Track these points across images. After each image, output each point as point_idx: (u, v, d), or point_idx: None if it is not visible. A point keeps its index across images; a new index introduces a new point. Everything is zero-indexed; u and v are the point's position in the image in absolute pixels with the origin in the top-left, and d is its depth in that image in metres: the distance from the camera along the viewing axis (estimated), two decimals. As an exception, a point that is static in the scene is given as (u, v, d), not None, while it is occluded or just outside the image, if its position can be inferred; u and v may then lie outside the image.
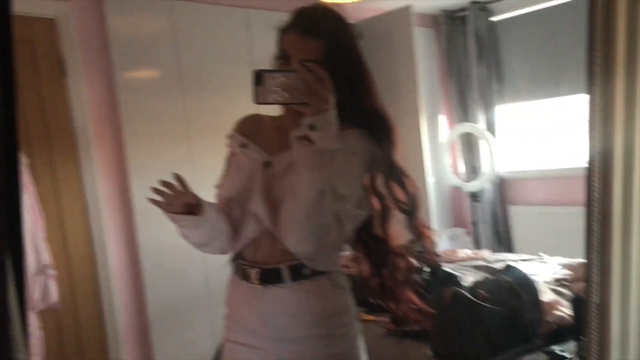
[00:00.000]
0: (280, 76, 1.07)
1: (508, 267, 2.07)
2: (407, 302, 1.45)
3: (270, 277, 1.22)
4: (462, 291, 1.90)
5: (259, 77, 1.06)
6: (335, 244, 1.23)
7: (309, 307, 1.22)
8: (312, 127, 1.08)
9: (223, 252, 1.31)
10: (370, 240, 1.36)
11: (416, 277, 2.30)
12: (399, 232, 1.38)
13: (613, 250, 0.70)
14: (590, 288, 0.71)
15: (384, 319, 2.24)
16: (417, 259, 2.81)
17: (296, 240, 1.15)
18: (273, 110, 1.31)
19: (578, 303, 1.53)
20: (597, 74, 0.66)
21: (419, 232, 1.35)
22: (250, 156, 1.25)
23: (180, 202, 1.18)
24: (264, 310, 1.22)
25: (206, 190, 1.47)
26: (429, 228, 1.38)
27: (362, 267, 1.38)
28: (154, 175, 2.98)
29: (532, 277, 2.17)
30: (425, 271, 2.54)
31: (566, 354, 1.49)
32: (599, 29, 0.65)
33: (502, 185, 4.37)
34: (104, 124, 2.94)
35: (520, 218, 4.29)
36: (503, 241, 4.34)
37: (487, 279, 2.06)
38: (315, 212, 1.11)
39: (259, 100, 1.08)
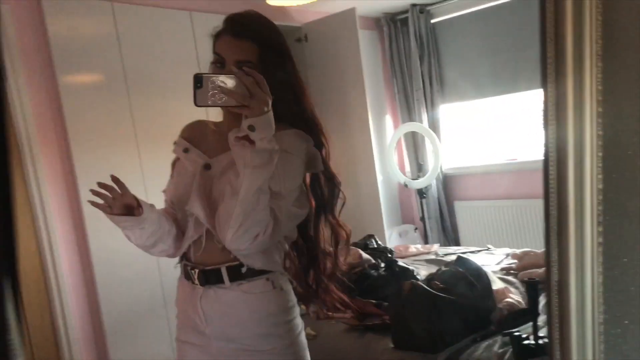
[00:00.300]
0: (219, 79, 1.11)
1: (459, 258, 2.17)
2: (332, 296, 1.49)
3: (210, 277, 1.26)
4: (420, 283, 1.98)
5: (199, 80, 1.10)
6: (273, 242, 1.26)
7: (248, 307, 1.26)
8: (251, 128, 1.11)
9: (169, 255, 1.35)
10: (301, 239, 1.41)
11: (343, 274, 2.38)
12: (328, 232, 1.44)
13: (569, 232, 0.77)
14: (550, 268, 0.78)
15: (344, 315, 2.29)
16: (371, 255, 2.89)
17: (232, 236, 1.16)
18: (218, 115, 1.37)
19: (531, 286, 1.63)
20: (550, 71, 0.73)
21: (335, 228, 1.43)
22: (191, 159, 1.30)
23: (119, 204, 1.23)
24: (206, 310, 1.27)
25: (154, 193, 1.50)
26: (345, 225, 1.47)
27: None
28: (103, 179, 2.94)
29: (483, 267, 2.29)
30: (381, 266, 2.63)
31: (522, 334, 1.59)
32: (549, 30, 0.72)
33: (446, 182, 4.54)
34: (48, 129, 2.85)
35: (464, 212, 4.46)
36: (450, 235, 4.50)
37: (441, 270, 2.15)
38: (252, 209, 1.14)
39: (198, 103, 1.11)
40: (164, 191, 1.38)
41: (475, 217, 4.37)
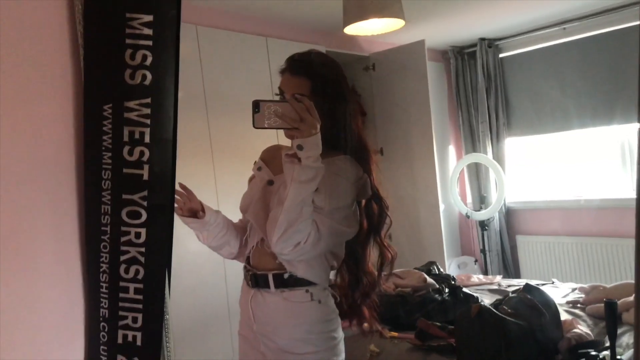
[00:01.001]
0: (274, 105, 1.26)
1: (527, 285, 2.17)
2: (360, 314, 1.57)
3: (259, 281, 1.44)
4: (488, 306, 2.00)
5: (257, 105, 1.26)
6: (316, 253, 1.37)
7: (286, 313, 1.41)
8: (299, 147, 1.26)
9: (233, 257, 1.58)
10: (352, 258, 1.52)
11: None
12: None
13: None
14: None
15: (409, 335, 2.32)
16: (434, 280, 2.90)
17: (277, 240, 1.30)
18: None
19: (609, 306, 1.64)
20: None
21: (381, 248, 1.51)
22: (260, 176, 1.51)
23: (187, 207, 1.48)
24: (254, 310, 1.45)
25: (225, 203, 1.66)
26: (390, 246, 1.53)
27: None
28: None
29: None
30: (445, 291, 2.65)
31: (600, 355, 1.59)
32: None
33: (509, 215, 4.49)
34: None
35: (527, 247, 4.40)
36: (510, 269, 4.44)
37: (509, 296, 2.16)
38: (295, 218, 1.29)
39: (256, 125, 1.27)
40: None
41: (538, 251, 4.30)
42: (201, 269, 3.01)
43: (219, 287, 3.14)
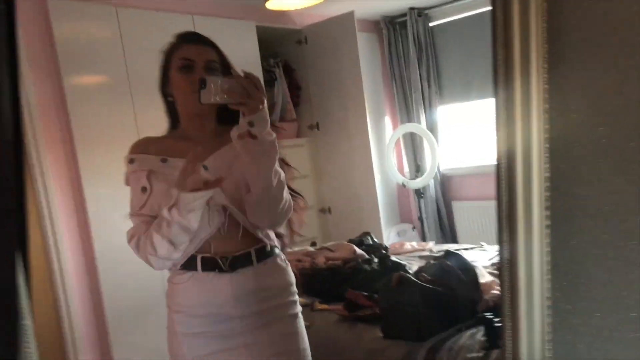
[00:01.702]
0: (220, 81, 1.26)
1: (447, 252, 2.26)
2: None
3: (240, 262, 1.40)
4: (408, 275, 2.07)
5: (203, 82, 1.25)
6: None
7: (272, 281, 1.44)
8: (250, 124, 1.27)
9: (177, 260, 1.41)
10: None
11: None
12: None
13: (518, 215, 0.86)
14: (501, 247, 0.87)
15: (338, 307, 2.38)
16: (366, 251, 2.97)
17: (274, 217, 1.38)
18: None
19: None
20: (500, 78, 0.83)
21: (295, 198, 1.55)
22: (177, 168, 1.36)
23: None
24: (236, 292, 1.39)
25: None
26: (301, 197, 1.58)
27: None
28: (107, 179, 2.99)
29: (472, 262, 2.38)
30: (374, 261, 2.72)
31: (494, 317, 1.68)
32: (499, 35, 0.81)
33: (444, 182, 4.62)
34: (54, 129, 2.96)
35: (462, 212, 4.55)
36: (447, 234, 4.59)
37: (429, 263, 2.24)
38: (280, 189, 1.34)
39: (203, 101, 1.26)
40: (135, 214, 1.41)
41: (472, 216, 4.46)
42: (135, 257, 2.98)
43: (154, 273, 3.13)
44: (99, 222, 2.96)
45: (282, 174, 1.35)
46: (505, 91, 0.83)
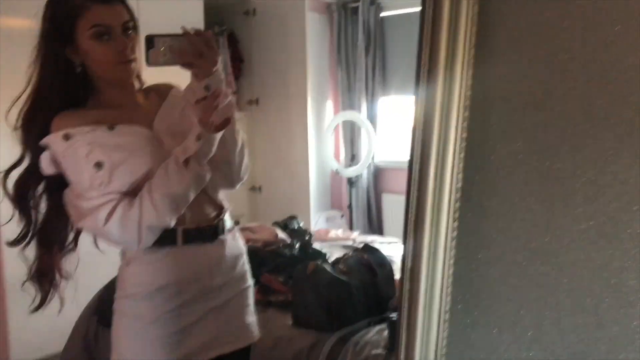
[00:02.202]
0: (169, 40, 1.13)
1: (366, 246, 2.25)
2: None
3: (217, 230, 1.35)
4: (323, 265, 2.04)
5: (151, 41, 1.13)
6: None
7: (237, 250, 1.41)
8: (207, 88, 1.16)
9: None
10: None
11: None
12: None
13: (425, 224, 0.82)
14: (405, 255, 0.84)
15: (251, 290, 2.33)
16: (289, 235, 2.93)
17: (243, 172, 1.39)
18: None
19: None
20: (422, 77, 0.78)
21: None
22: (129, 133, 1.25)
23: None
24: (213, 262, 1.33)
25: None
26: None
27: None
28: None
29: (390, 257, 2.38)
30: (295, 247, 2.68)
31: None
32: (427, 34, 0.76)
33: (377, 173, 4.64)
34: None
35: (391, 205, 4.58)
36: (374, 225, 4.62)
37: (347, 255, 2.22)
38: (241, 146, 1.34)
39: (150, 62, 1.14)
40: (95, 196, 1.20)
41: (401, 210, 4.45)
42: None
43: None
44: None
45: (241, 132, 1.34)
46: (427, 87, 0.79)
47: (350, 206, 4.51)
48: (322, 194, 4.69)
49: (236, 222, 1.48)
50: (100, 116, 1.25)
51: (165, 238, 1.27)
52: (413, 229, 0.82)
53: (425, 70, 0.77)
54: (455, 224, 0.84)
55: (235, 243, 1.42)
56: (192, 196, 1.24)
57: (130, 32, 1.25)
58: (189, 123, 1.23)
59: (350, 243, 3.21)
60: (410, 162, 0.82)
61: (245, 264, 1.46)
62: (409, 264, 0.83)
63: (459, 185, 0.83)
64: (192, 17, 3.65)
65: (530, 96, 0.86)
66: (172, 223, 1.25)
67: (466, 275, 0.93)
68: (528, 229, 0.89)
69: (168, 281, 1.28)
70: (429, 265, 0.83)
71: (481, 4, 0.77)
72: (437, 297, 0.85)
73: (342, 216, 4.67)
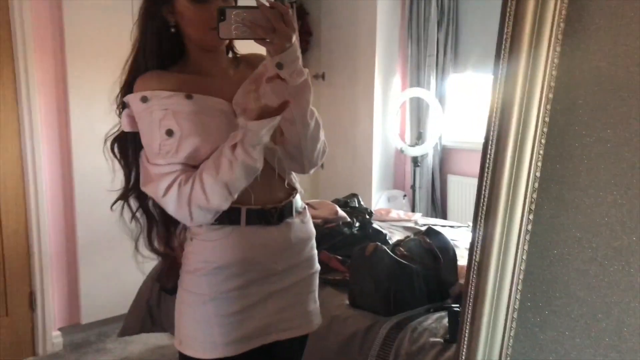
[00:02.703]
0: (242, 12, 1.09)
1: (429, 229, 2.17)
2: None
3: (285, 212, 1.31)
4: (383, 247, 1.99)
5: (223, 13, 1.09)
6: None
7: (306, 233, 1.38)
8: (279, 66, 1.11)
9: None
10: None
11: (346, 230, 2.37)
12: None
13: (497, 218, 0.76)
14: (474, 246, 0.77)
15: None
16: (350, 213, 2.90)
17: (316, 157, 1.32)
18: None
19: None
20: (504, 54, 0.70)
21: None
22: (207, 105, 1.21)
23: None
24: (280, 244, 1.30)
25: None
26: None
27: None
28: (95, 95, 2.86)
29: (453, 242, 2.29)
30: (355, 225, 2.64)
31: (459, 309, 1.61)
32: (511, 5, 0.68)
33: (443, 154, 4.49)
34: (46, 37, 2.82)
35: (456, 187, 4.44)
36: (438, 208, 4.50)
37: (408, 238, 2.15)
38: (318, 130, 1.27)
39: (222, 35, 1.10)
40: (161, 164, 1.19)
41: (466, 192, 4.35)
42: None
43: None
44: (81, 137, 2.87)
45: (317, 113, 1.26)
46: (508, 64, 0.71)
47: (413, 186, 4.40)
48: (385, 173, 4.61)
49: None
50: (182, 82, 1.23)
51: (229, 217, 1.24)
52: (484, 219, 0.76)
53: (507, 45, 0.70)
54: (531, 216, 0.77)
55: (304, 226, 1.38)
56: (242, 184, 1.18)
57: (230, 1, 1.22)
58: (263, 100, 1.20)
59: (411, 224, 3.13)
60: (485, 146, 0.75)
61: (313, 248, 1.42)
62: (477, 257, 0.77)
63: (538, 174, 0.76)
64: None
65: (625, 79, 0.77)
66: (225, 206, 1.20)
67: (539, 272, 0.86)
68: (612, 226, 0.81)
69: (229, 261, 1.26)
70: (499, 259, 0.76)
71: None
72: (506, 294, 0.78)
73: (405, 196, 4.58)
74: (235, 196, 1.20)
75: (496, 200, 0.75)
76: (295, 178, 1.39)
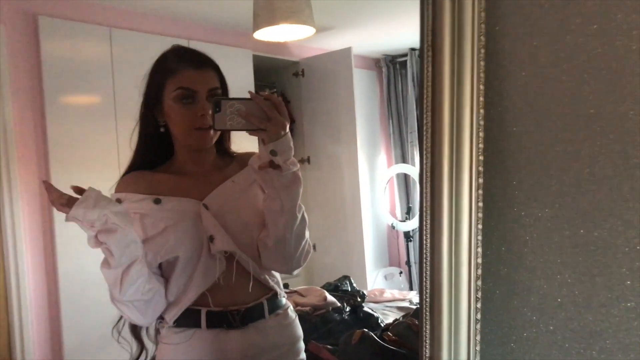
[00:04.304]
0: (237, 103, 1.11)
1: (417, 310, 2.10)
2: None
3: (253, 314, 1.22)
4: (370, 333, 1.92)
5: (218, 104, 1.11)
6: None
7: (286, 337, 1.27)
8: (273, 153, 1.10)
9: (160, 312, 1.24)
10: None
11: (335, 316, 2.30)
12: None
13: (443, 307, 0.73)
14: (423, 342, 0.74)
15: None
16: (340, 297, 2.83)
17: (296, 259, 1.22)
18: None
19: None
20: (426, 142, 0.71)
21: None
22: (174, 209, 1.21)
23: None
24: (245, 351, 1.21)
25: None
26: None
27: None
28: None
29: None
30: (345, 310, 2.57)
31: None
32: (427, 99, 0.70)
33: (436, 226, 4.47)
34: (29, 147, 2.87)
35: (453, 259, 4.38)
36: (435, 281, 4.42)
37: (397, 321, 2.09)
38: (302, 227, 1.20)
39: (217, 127, 1.12)
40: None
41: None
42: (100, 284, 2.86)
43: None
44: (66, 244, 2.85)
45: (304, 209, 1.21)
46: (430, 158, 0.71)
47: (408, 262, 4.35)
48: (379, 251, 4.57)
49: (285, 285, 1.37)
50: (158, 183, 1.25)
51: (190, 319, 1.21)
52: (429, 312, 0.73)
53: (427, 133, 0.70)
54: (479, 304, 0.74)
55: (285, 330, 1.28)
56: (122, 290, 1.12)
57: None
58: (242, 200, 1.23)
59: (406, 304, 3.06)
60: (421, 234, 0.73)
61: (298, 352, 1.31)
62: (427, 352, 0.73)
63: (479, 260, 0.74)
64: (243, 79, 3.76)
65: (552, 158, 0.77)
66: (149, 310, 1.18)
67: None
68: (565, 306, 0.78)
69: None
70: (450, 352, 0.73)
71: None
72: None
73: (401, 273, 4.51)
74: (127, 293, 1.13)
75: (439, 290, 0.73)
76: (277, 278, 1.31)
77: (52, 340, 2.89)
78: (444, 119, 0.66)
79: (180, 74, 1.22)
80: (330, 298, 2.58)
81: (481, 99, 0.68)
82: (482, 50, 0.68)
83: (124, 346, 1.34)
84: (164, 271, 1.24)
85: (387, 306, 3.00)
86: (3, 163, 2.75)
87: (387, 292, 3.26)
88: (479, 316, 0.74)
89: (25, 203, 2.83)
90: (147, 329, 1.34)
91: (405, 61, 4.46)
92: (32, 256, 2.85)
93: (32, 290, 2.83)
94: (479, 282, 0.74)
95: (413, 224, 4.24)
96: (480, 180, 0.71)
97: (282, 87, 4.36)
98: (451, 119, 0.67)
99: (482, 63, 0.68)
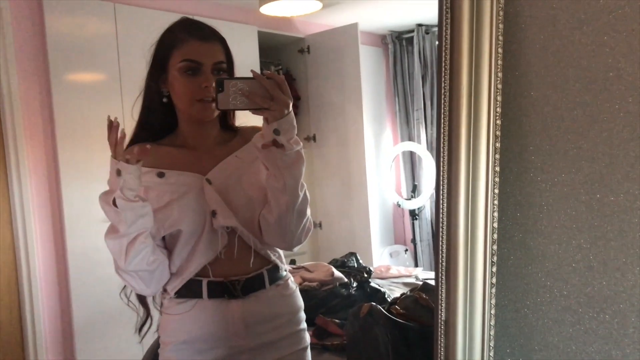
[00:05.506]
0: (240, 83, 1.10)
1: (425, 285, 2.11)
2: None
3: (254, 284, 1.24)
4: (378, 306, 1.93)
5: (221, 84, 1.10)
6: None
7: (286, 306, 1.29)
8: (276, 132, 1.10)
9: (164, 283, 1.25)
10: None
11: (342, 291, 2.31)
12: None
13: (459, 272, 0.73)
14: (438, 306, 0.75)
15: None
16: (347, 273, 2.85)
17: (298, 235, 1.23)
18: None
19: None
20: (444, 105, 0.71)
21: None
22: (178, 182, 1.22)
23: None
24: (247, 319, 1.23)
25: None
26: None
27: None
28: (86, 180, 2.89)
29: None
30: (352, 286, 2.59)
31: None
32: (445, 61, 0.69)
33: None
34: (36, 124, 2.87)
35: (458, 236, 4.39)
36: (441, 259, 4.43)
37: (404, 295, 2.10)
38: (304, 205, 1.20)
39: (220, 106, 1.11)
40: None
41: (468, 242, 4.30)
42: (108, 261, 2.88)
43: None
44: (74, 220, 2.87)
45: (306, 187, 1.21)
46: (450, 120, 0.71)
47: (414, 240, 4.36)
48: (385, 229, 4.58)
49: (292, 262, 1.38)
50: (162, 156, 1.25)
51: (191, 289, 1.23)
52: (445, 275, 0.74)
53: (446, 95, 0.70)
54: (494, 268, 0.75)
55: (286, 300, 1.29)
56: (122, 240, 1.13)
57: (221, 72, 1.22)
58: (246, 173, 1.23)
59: (412, 280, 3.07)
60: (437, 199, 0.74)
61: (298, 323, 1.32)
62: (442, 315, 0.74)
63: (495, 225, 0.74)
64: (248, 56, 3.73)
65: (570, 121, 0.76)
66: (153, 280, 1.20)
67: (514, 325, 0.83)
68: (580, 271, 0.78)
69: (194, 335, 1.22)
70: (465, 315, 0.73)
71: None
72: (478, 351, 0.75)
73: (407, 251, 4.53)
74: (131, 258, 1.14)
75: (455, 254, 0.73)
76: (278, 253, 1.32)
77: (62, 317, 2.93)
78: (462, 81, 0.66)
79: (186, 46, 1.21)
80: (337, 274, 2.60)
81: (499, 62, 0.67)
82: (501, 13, 0.67)
83: (133, 309, 1.34)
84: (167, 243, 1.25)
85: (393, 282, 3.01)
86: (11, 140, 2.76)
87: (393, 269, 3.27)
88: (494, 280, 0.74)
89: (33, 180, 2.84)
90: (153, 297, 1.35)
91: (412, 37, 4.42)
92: (41, 232, 2.86)
93: (41, 266, 2.85)
94: (495, 247, 0.74)
95: (419, 202, 4.25)
96: (498, 145, 0.71)
97: (288, 64, 4.33)
98: (469, 82, 0.67)
99: (500, 25, 0.67)
